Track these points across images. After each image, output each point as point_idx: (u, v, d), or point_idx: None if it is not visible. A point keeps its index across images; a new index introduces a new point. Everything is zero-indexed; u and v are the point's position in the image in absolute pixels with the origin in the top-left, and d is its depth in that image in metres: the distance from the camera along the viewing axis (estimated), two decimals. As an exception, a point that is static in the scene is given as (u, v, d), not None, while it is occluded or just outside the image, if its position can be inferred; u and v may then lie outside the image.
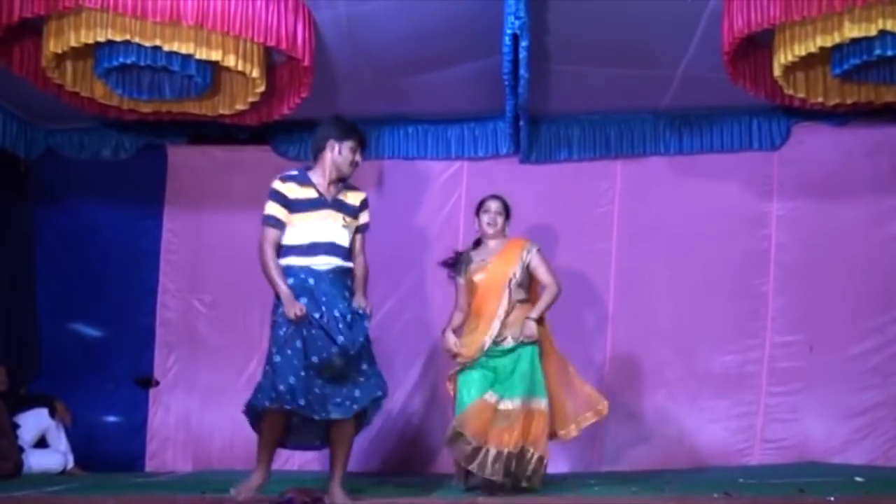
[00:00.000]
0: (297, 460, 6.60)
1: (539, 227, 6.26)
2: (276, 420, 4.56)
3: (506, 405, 4.89)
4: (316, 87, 5.58)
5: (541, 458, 4.92)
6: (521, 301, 5.15)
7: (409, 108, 6.68)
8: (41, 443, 6.50)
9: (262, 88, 5.50)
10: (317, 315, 4.43)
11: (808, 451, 6.40)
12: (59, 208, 7.04)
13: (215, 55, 5.13)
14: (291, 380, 4.39)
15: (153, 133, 6.81)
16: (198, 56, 5.12)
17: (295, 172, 4.74)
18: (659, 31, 5.56)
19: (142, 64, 5.21)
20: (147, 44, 5.03)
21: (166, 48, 5.06)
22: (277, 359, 4.46)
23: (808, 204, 6.63)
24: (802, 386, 6.48)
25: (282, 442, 4.75)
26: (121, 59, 5.13)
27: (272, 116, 5.97)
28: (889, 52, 4.93)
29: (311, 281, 4.52)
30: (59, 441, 6.50)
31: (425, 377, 6.60)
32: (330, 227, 4.63)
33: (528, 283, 5.21)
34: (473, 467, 4.83)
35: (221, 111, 5.83)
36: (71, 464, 6.47)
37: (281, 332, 4.49)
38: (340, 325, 4.45)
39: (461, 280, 5.32)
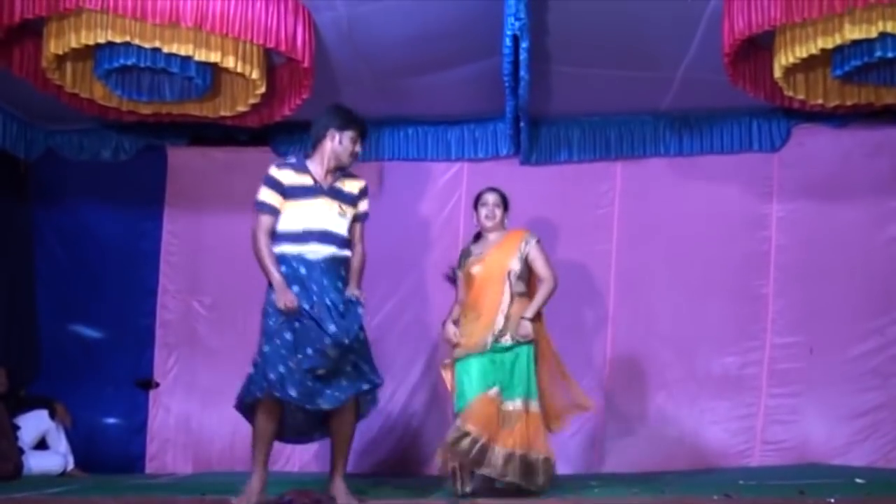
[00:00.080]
0: (297, 462, 6.60)
1: (539, 229, 6.19)
2: (270, 411, 4.49)
3: (507, 406, 4.88)
4: (316, 88, 5.58)
5: (547, 459, 4.89)
6: (521, 294, 5.10)
7: (409, 110, 6.69)
8: (41, 444, 6.50)
9: (262, 90, 5.50)
10: (307, 306, 4.39)
11: (809, 452, 6.40)
12: (59, 209, 7.04)
13: (214, 57, 5.12)
14: (281, 369, 4.35)
15: (153, 134, 6.81)
16: (197, 58, 5.12)
17: (292, 160, 4.69)
18: (659, 33, 5.56)
19: (142, 65, 5.21)
20: (146, 45, 5.03)
21: (165, 50, 5.05)
22: (266, 349, 4.43)
23: (809, 205, 6.63)
24: (803, 387, 6.48)
25: (279, 435, 4.69)
26: (121, 61, 5.14)
27: (273, 118, 5.97)
28: (889, 54, 4.93)
29: (303, 270, 4.47)
30: (59, 443, 6.50)
31: (425, 378, 6.60)
32: (324, 214, 4.56)
33: (528, 277, 5.16)
34: (484, 470, 4.76)
35: (222, 113, 5.83)
36: (71, 465, 6.48)
37: (271, 322, 4.44)
38: (332, 314, 4.40)
39: (460, 273, 5.29)
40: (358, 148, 4.71)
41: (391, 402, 6.51)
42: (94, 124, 6.68)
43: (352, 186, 4.72)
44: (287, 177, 4.57)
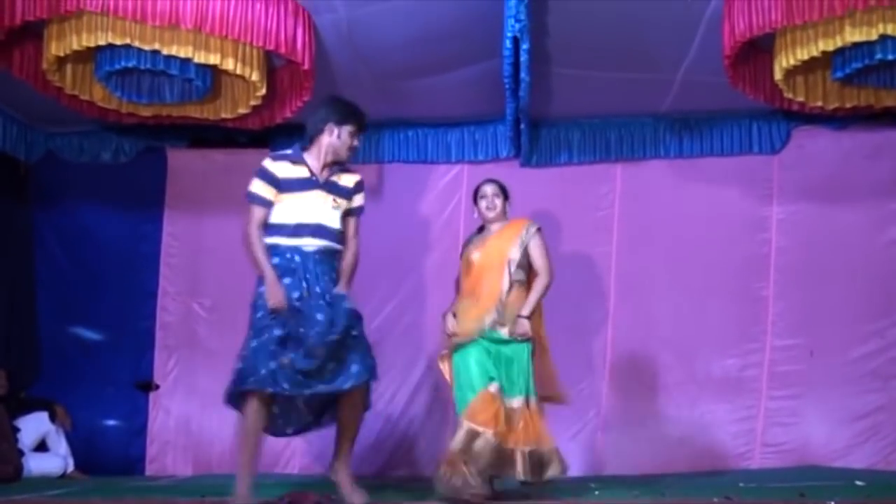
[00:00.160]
0: (297, 464, 6.60)
1: (539, 231, 6.27)
2: (258, 409, 4.36)
3: (509, 403, 4.80)
4: (316, 90, 5.57)
5: (556, 449, 4.84)
6: (520, 282, 5.01)
7: (409, 112, 6.69)
8: (41, 446, 6.51)
9: (262, 92, 5.50)
10: (296, 294, 4.34)
11: (809, 454, 6.40)
12: (59, 211, 7.05)
13: (214, 59, 5.12)
14: (272, 365, 4.29)
15: (153, 136, 6.81)
16: (196, 60, 5.11)
17: (288, 151, 4.63)
18: (659, 35, 5.56)
19: (142, 68, 5.21)
20: (146, 47, 5.03)
21: (165, 52, 5.06)
22: (254, 344, 4.35)
23: (809, 208, 6.63)
24: (803, 390, 6.48)
25: (272, 430, 4.63)
26: (122, 63, 5.14)
27: (274, 120, 5.97)
28: (890, 56, 4.93)
29: (297, 260, 4.42)
30: (59, 445, 6.51)
31: (426, 380, 6.59)
32: (319, 207, 4.50)
33: (528, 265, 5.07)
34: (504, 473, 4.71)
35: (223, 115, 5.84)
36: (71, 467, 6.48)
37: (259, 316, 4.39)
38: (322, 304, 4.36)
39: (461, 264, 5.24)
40: (356, 142, 4.66)
41: (392, 403, 6.51)
42: (94, 126, 6.68)
43: (348, 180, 4.66)
44: (282, 169, 4.52)
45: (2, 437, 6.09)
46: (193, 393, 6.79)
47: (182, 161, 7.02)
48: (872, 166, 6.60)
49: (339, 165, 4.63)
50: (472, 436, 4.66)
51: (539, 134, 6.76)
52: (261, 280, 4.44)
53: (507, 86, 5.64)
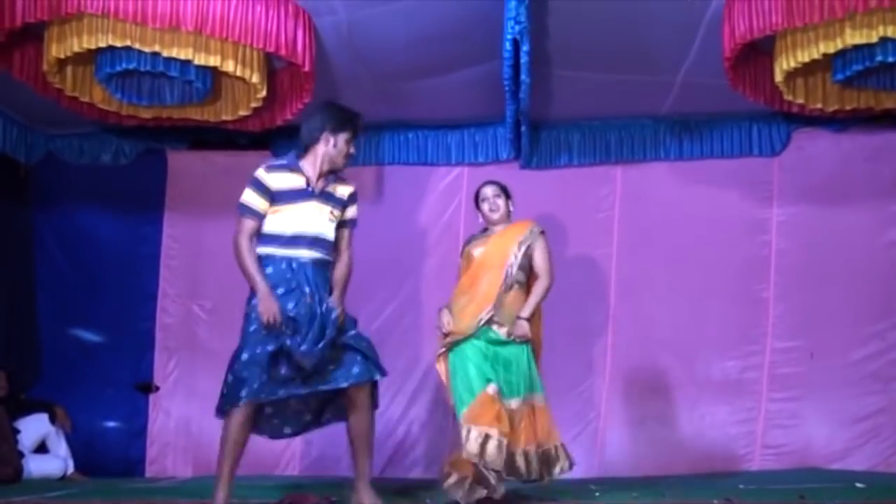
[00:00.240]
0: (297, 465, 6.60)
1: (539, 233, 6.27)
2: (246, 418, 4.27)
3: (508, 405, 4.74)
4: (317, 92, 5.57)
5: (561, 445, 4.82)
6: (519, 284, 4.96)
7: (409, 114, 6.69)
8: (41, 448, 6.51)
9: (262, 94, 5.49)
10: (291, 304, 4.26)
11: (809, 456, 6.41)
12: (59, 213, 7.05)
13: (214, 61, 5.12)
14: (264, 377, 4.23)
15: (153, 138, 6.81)
16: (196, 62, 5.11)
17: (284, 161, 4.52)
18: (659, 37, 5.56)
19: (142, 69, 5.21)
20: (147, 49, 5.03)
21: (166, 54, 5.05)
22: (245, 356, 4.26)
23: (809, 210, 6.64)
24: (803, 392, 6.49)
25: (269, 432, 4.57)
26: (122, 65, 5.14)
27: (275, 122, 5.96)
28: (890, 59, 4.92)
29: (292, 268, 4.34)
30: (59, 446, 6.51)
31: (425, 383, 6.59)
32: (315, 219, 4.41)
33: (528, 267, 5.01)
34: (512, 474, 4.67)
35: (224, 117, 5.83)
36: (71, 469, 6.48)
37: (252, 329, 4.30)
38: (316, 312, 4.27)
39: (462, 261, 5.20)
40: (353, 149, 4.57)
41: (391, 406, 6.50)
42: (94, 128, 6.68)
43: (343, 191, 4.56)
44: (277, 180, 4.41)
45: (2, 438, 6.09)
46: (193, 394, 6.78)
47: (182, 163, 7.02)
48: (873, 168, 6.60)
49: (334, 174, 4.55)
50: (484, 439, 4.60)
51: (539, 136, 6.76)
52: (253, 292, 4.34)
53: (507, 88, 5.64)
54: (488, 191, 5.14)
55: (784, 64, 5.11)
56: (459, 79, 6.06)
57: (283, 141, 6.68)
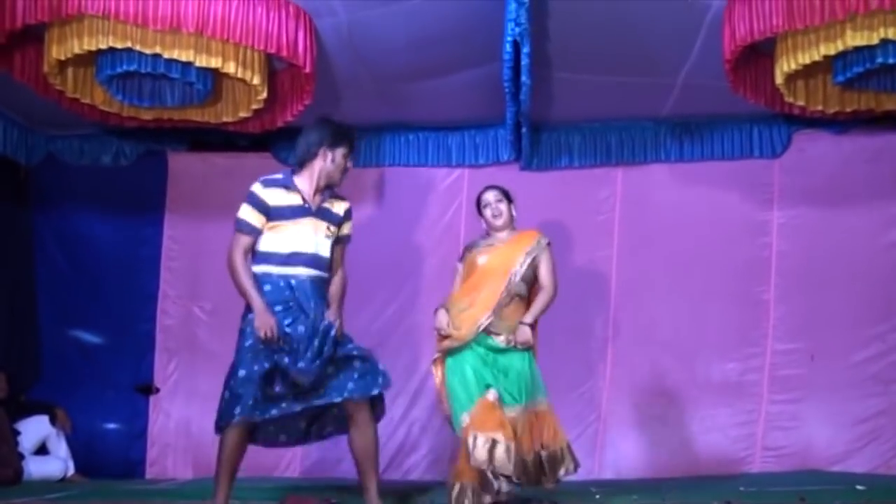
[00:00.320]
0: (297, 467, 6.60)
1: (539, 235, 6.26)
2: (243, 431, 4.31)
3: (508, 412, 4.68)
4: (317, 94, 5.57)
5: (566, 447, 4.81)
6: (520, 296, 4.93)
7: (410, 116, 6.68)
8: (41, 450, 6.50)
9: (263, 95, 5.49)
10: (288, 321, 4.26)
11: (810, 459, 6.40)
12: (60, 214, 7.05)
13: (215, 62, 5.11)
14: (259, 395, 4.23)
15: (153, 140, 6.80)
16: (197, 63, 5.09)
17: (279, 176, 4.49)
18: (660, 39, 5.56)
19: (143, 71, 5.20)
20: (148, 51, 5.02)
21: (166, 55, 5.05)
22: (242, 373, 4.25)
23: (809, 212, 6.63)
24: (803, 394, 6.48)
25: (263, 440, 4.56)
26: (123, 67, 5.13)
27: (275, 124, 5.96)
28: (890, 60, 4.91)
29: (290, 286, 4.34)
30: (60, 448, 6.50)
31: (425, 384, 6.59)
32: (312, 236, 4.41)
33: (531, 280, 4.99)
34: (522, 479, 4.61)
35: (224, 119, 5.83)
36: (71, 471, 6.47)
37: (247, 344, 4.29)
38: (313, 329, 4.28)
39: (460, 266, 5.15)
40: (350, 164, 4.59)
41: (392, 407, 6.45)
42: (94, 130, 6.68)
43: (339, 207, 4.57)
44: (273, 197, 4.40)
45: (2, 440, 6.09)
46: (194, 396, 6.78)
47: (183, 164, 7.02)
48: (873, 170, 6.60)
49: (330, 190, 4.55)
50: (492, 445, 4.54)
51: (540, 138, 6.76)
52: (249, 307, 4.33)
53: (507, 89, 5.64)
54: (490, 196, 5.11)
55: (784, 66, 5.10)
56: (460, 80, 6.06)
57: (283, 143, 6.69)
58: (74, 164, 6.88)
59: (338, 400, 4.37)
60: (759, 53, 5.42)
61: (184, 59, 5.06)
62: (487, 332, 4.85)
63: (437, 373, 5.03)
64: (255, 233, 4.39)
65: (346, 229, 4.62)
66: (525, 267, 4.96)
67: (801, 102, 5.67)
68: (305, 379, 4.27)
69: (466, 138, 6.85)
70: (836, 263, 6.54)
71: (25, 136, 6.68)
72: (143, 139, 6.78)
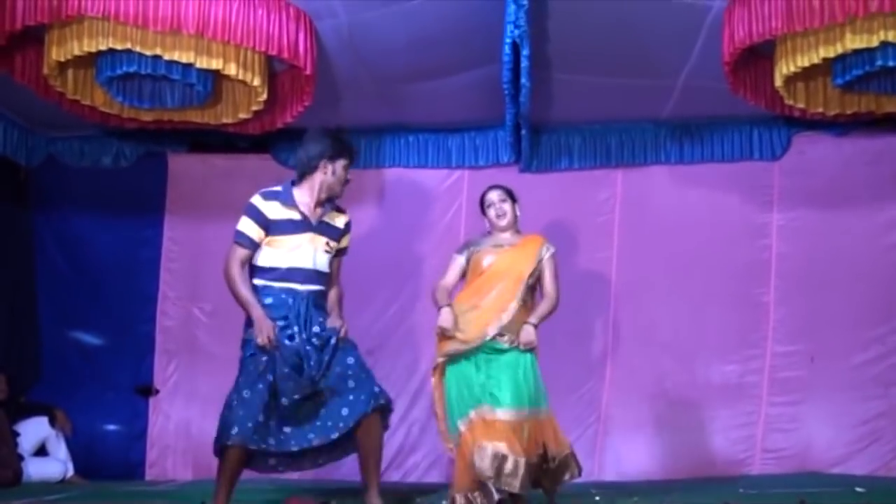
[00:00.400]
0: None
1: (539, 236, 6.26)
2: (241, 456, 4.30)
3: (508, 416, 4.59)
4: (317, 95, 5.58)
5: (571, 453, 4.76)
6: (524, 302, 4.87)
7: (409, 117, 6.69)
8: (41, 451, 6.49)
9: (263, 97, 5.49)
10: (288, 332, 4.27)
11: (809, 461, 6.40)
12: (60, 216, 7.05)
13: (216, 64, 5.11)
14: (261, 418, 4.23)
15: (153, 141, 6.80)
16: (198, 65, 5.09)
17: (278, 189, 4.48)
18: (660, 41, 5.56)
19: (143, 73, 5.20)
20: (148, 52, 5.02)
21: (167, 57, 5.04)
22: (246, 394, 4.25)
23: (809, 214, 6.64)
24: (803, 396, 6.49)
25: (258, 465, 4.54)
26: (123, 68, 5.13)
27: (275, 125, 5.96)
28: (890, 63, 4.91)
29: (290, 300, 4.34)
30: (59, 449, 6.49)
31: (425, 386, 6.57)
32: (312, 252, 4.41)
33: (534, 286, 4.94)
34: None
35: (224, 120, 5.83)
36: (71, 472, 6.47)
37: (248, 354, 4.30)
38: (314, 343, 4.30)
39: (461, 258, 5.01)
40: (350, 176, 4.59)
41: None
42: (95, 131, 6.68)
43: (339, 221, 4.59)
44: (273, 210, 4.40)
45: (1, 441, 6.08)
46: (193, 397, 6.79)
47: (183, 166, 7.02)
48: (873, 172, 6.60)
49: (330, 202, 4.55)
50: (500, 461, 4.46)
51: (539, 139, 6.76)
52: (249, 321, 4.33)
53: (507, 91, 5.64)
54: (494, 196, 5.04)
55: (784, 68, 5.10)
56: (459, 82, 6.06)
57: (283, 144, 6.70)
58: (74, 165, 6.88)
59: (334, 437, 4.40)
60: (758, 55, 5.43)
61: (184, 60, 5.06)
62: (491, 338, 4.78)
63: (435, 380, 4.92)
64: (254, 247, 4.40)
65: (344, 242, 4.63)
66: (533, 275, 4.89)
67: (801, 104, 5.67)
68: (307, 390, 4.29)
69: (466, 140, 6.85)
70: (836, 265, 6.54)
71: (26, 138, 6.68)
72: (143, 140, 6.78)
